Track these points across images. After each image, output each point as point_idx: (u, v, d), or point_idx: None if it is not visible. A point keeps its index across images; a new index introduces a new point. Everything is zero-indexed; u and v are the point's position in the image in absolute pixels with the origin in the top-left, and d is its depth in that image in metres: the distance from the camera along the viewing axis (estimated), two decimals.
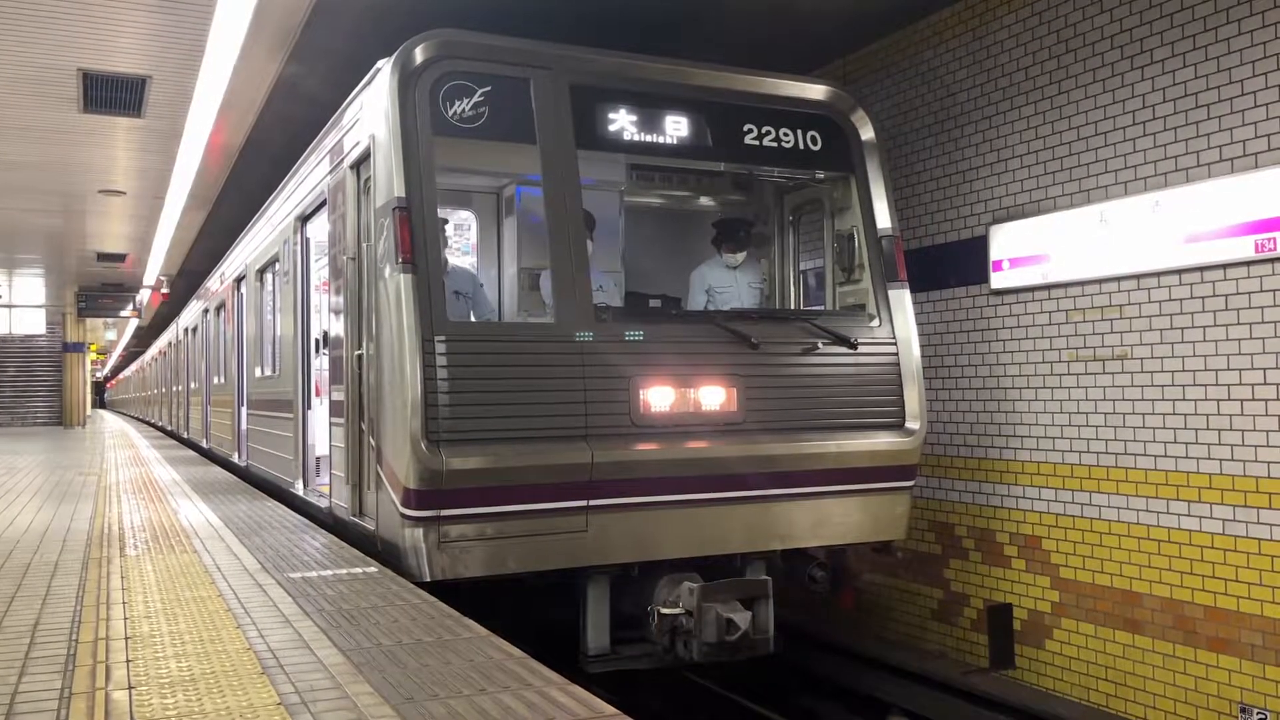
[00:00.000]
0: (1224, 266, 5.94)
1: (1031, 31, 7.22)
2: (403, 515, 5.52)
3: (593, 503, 5.74)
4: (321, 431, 8.24)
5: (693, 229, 8.63)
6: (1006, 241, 7.39)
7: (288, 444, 8.96)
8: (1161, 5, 6.33)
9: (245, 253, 12.29)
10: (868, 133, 7.02)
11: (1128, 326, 6.54)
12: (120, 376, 69.18)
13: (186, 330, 20.91)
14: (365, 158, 6.25)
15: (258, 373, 11.26)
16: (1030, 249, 7.19)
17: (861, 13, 8.01)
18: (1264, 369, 5.77)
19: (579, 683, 3.39)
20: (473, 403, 5.53)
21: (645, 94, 6.40)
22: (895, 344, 6.71)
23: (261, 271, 11.06)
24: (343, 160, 6.84)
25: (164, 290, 21.43)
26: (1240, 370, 5.89)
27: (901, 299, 6.82)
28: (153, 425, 32.90)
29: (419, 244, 5.59)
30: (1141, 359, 6.45)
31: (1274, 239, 5.65)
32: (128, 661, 3.61)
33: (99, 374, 70.11)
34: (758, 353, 6.26)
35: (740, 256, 7.42)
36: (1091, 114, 6.77)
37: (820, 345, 6.48)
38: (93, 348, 36.79)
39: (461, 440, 5.46)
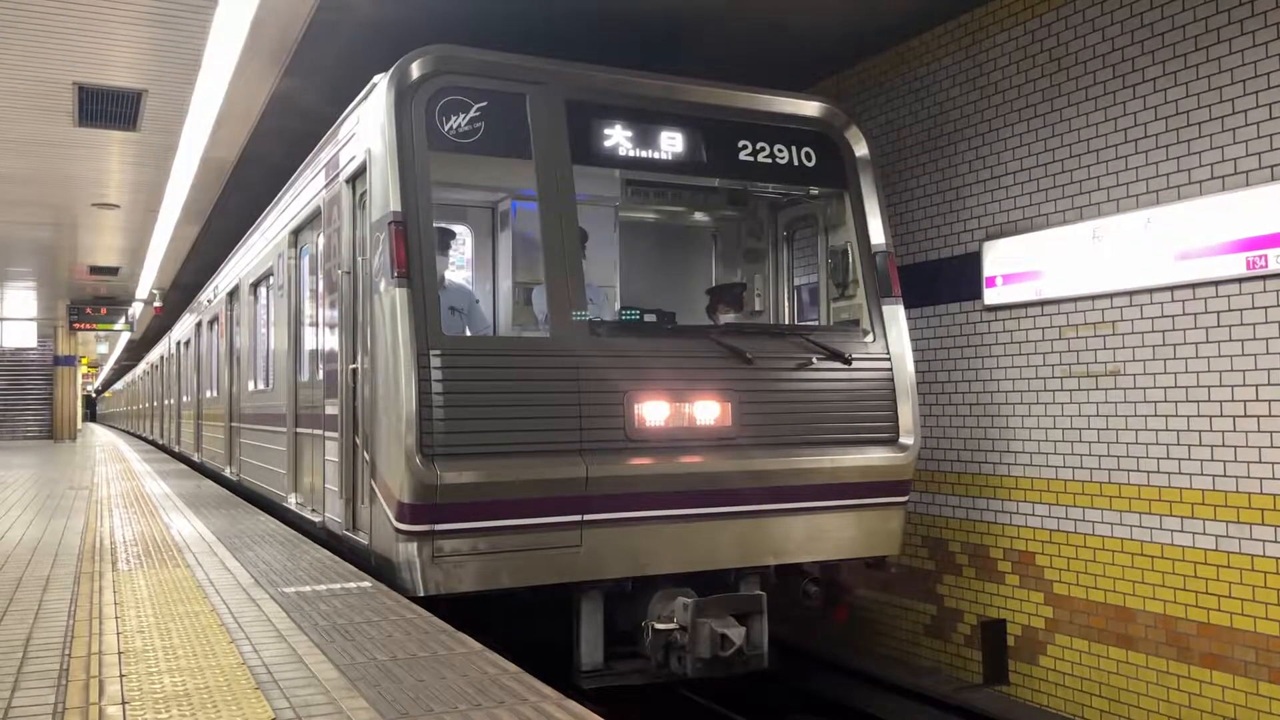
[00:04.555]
0: (1216, 283, 5.98)
1: (1024, 49, 7.28)
2: (396, 530, 5.50)
3: (587, 517, 5.74)
4: None
5: (687, 244, 8.66)
6: (999, 257, 7.42)
7: (281, 458, 8.94)
8: (1153, 24, 6.38)
9: (239, 266, 12.28)
10: (861, 149, 7.06)
11: (1120, 343, 6.56)
12: (112, 390, 68.95)
13: (179, 344, 20.86)
14: (361, 172, 6.26)
15: (251, 386, 11.24)
16: (1023, 265, 7.22)
17: (856, 30, 8.06)
18: (1255, 385, 5.80)
19: (573, 698, 3.39)
20: (467, 417, 5.52)
21: (640, 110, 6.42)
22: (889, 359, 6.73)
23: (255, 285, 11.05)
24: (338, 174, 6.85)
25: (157, 304, 21.37)
26: (1232, 387, 5.92)
27: (895, 314, 6.84)
28: (144, 439, 32.78)
29: (414, 258, 5.60)
30: (1134, 375, 6.48)
31: (1265, 256, 5.68)
32: (121, 677, 3.59)
33: (90, 387, 69.83)
34: (752, 368, 6.27)
35: (732, 315, 7.42)
36: (1084, 131, 6.82)
37: (814, 360, 6.49)
38: (84, 361, 36.67)
39: (456, 454, 5.45)
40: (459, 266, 8.06)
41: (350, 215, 6.64)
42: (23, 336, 27.47)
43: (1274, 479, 5.71)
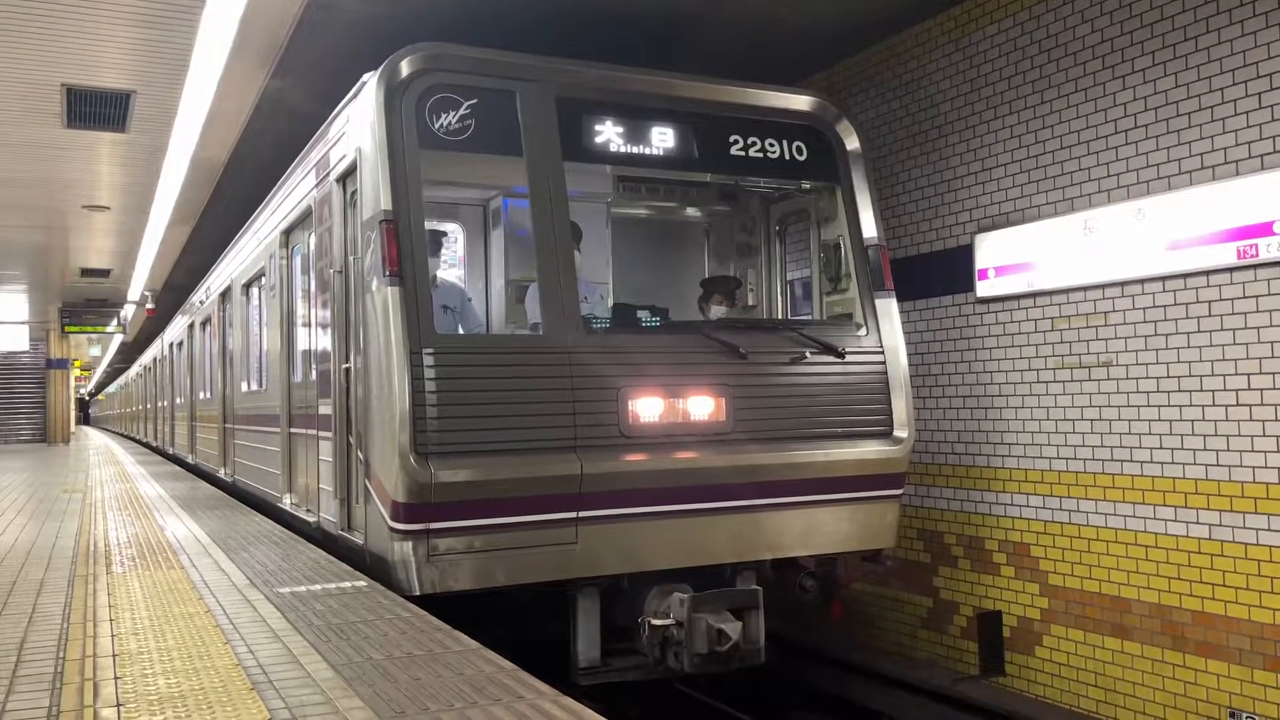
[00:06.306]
0: (1207, 273, 5.99)
1: (1014, 41, 7.28)
2: (391, 529, 5.50)
3: (582, 514, 5.74)
4: None
5: (680, 240, 8.65)
6: (991, 250, 7.43)
7: (275, 459, 8.92)
8: (1142, 15, 6.39)
9: (231, 267, 12.25)
10: (853, 142, 7.06)
11: (1113, 334, 6.57)
12: (105, 392, 68.81)
13: (172, 345, 20.81)
14: (352, 171, 6.25)
15: (244, 387, 11.22)
16: (1015, 257, 7.22)
17: (848, 24, 8.05)
18: (1247, 374, 5.81)
19: (570, 695, 3.39)
20: (461, 415, 5.52)
21: (631, 106, 6.42)
22: (882, 353, 6.73)
23: (248, 286, 11.03)
24: (329, 174, 6.83)
25: (149, 306, 21.33)
26: (1224, 376, 5.93)
27: (888, 308, 6.85)
28: (138, 441, 32.71)
29: (406, 257, 5.59)
30: (1127, 366, 6.49)
31: (1256, 245, 5.69)
32: (116, 679, 3.59)
33: (83, 390, 69.66)
34: (746, 363, 6.27)
35: (724, 309, 7.42)
36: (1074, 122, 6.82)
37: (808, 355, 6.49)
38: (77, 364, 36.56)
39: (450, 453, 5.45)
40: (451, 265, 8.05)
41: (341, 214, 6.62)
42: (14, 340, 27.39)
43: (1266, 468, 5.73)
